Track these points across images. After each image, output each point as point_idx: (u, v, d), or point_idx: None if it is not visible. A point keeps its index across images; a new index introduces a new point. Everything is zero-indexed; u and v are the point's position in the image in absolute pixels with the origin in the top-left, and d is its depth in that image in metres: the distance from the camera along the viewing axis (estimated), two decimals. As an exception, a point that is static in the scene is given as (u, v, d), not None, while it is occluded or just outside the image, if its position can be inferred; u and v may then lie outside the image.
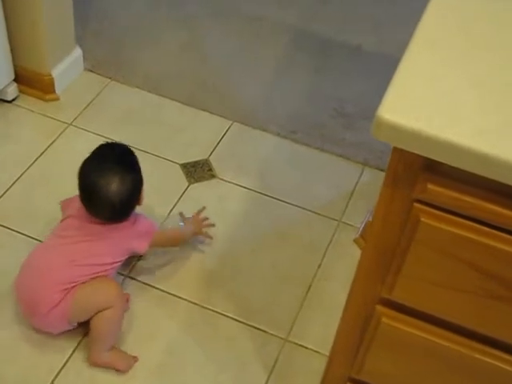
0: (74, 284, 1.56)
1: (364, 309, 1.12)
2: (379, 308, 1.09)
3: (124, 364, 1.61)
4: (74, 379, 1.58)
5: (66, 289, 1.55)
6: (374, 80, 2.07)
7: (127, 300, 1.72)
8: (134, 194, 1.61)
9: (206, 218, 1.89)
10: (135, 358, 1.63)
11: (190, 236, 1.84)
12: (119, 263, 1.65)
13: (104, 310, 1.56)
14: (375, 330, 1.12)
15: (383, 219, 0.99)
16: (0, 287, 1.71)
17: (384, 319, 1.09)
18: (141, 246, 1.66)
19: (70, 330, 1.62)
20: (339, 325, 1.20)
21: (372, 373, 1.21)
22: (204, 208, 1.91)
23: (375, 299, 1.09)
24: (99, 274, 1.59)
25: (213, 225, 1.89)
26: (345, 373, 1.25)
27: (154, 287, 1.78)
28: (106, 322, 1.58)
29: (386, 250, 1.02)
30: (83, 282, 1.57)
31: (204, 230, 1.87)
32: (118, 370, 1.60)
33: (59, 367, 1.60)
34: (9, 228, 1.86)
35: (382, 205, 0.98)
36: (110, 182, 1.55)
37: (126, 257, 1.67)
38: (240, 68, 2.46)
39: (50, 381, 1.57)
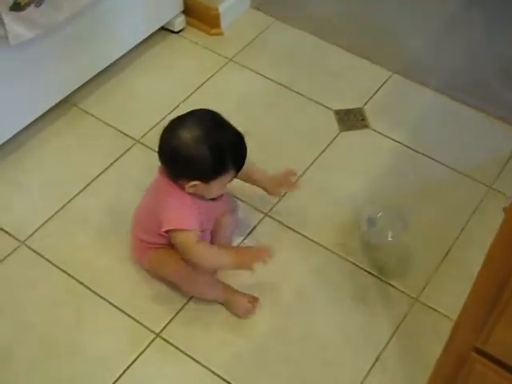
0: (149, 245, 1.61)
1: (498, 277, 1.07)
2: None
3: (240, 310, 1.63)
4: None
5: (142, 247, 1.62)
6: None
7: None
8: (191, 163, 1.45)
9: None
10: (255, 300, 1.64)
11: (228, 266, 1.59)
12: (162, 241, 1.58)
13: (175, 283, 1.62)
14: (508, 301, 1.07)
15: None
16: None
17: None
18: (164, 224, 1.50)
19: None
20: (471, 290, 1.16)
21: (498, 345, 1.16)
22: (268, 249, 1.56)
23: None
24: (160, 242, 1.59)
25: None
26: (470, 341, 1.21)
27: (291, 229, 1.80)
28: (188, 293, 1.64)
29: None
30: (156, 247, 1.60)
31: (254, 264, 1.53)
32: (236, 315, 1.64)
33: (179, 307, 1.66)
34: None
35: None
36: (193, 133, 1.44)
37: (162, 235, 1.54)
38: (409, 19, 2.38)
39: (169, 319, 1.65)
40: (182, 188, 1.49)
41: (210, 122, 1.48)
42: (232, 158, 1.48)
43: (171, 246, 1.57)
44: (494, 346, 1.17)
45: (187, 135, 1.44)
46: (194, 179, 1.47)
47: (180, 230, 1.50)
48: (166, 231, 1.51)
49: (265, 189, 1.71)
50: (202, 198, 1.53)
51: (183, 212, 1.51)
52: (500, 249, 1.06)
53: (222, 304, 1.64)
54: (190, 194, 1.50)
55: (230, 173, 1.49)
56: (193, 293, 1.64)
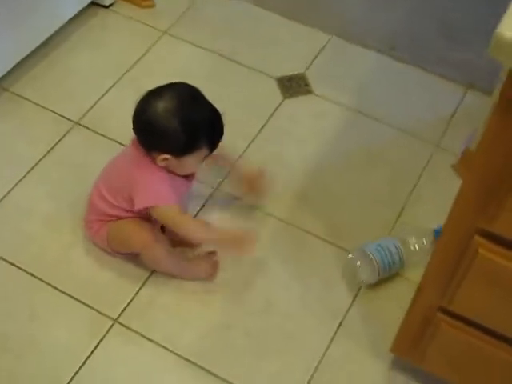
0: (109, 218, 1.56)
1: (461, 238, 1.07)
2: (477, 239, 1.04)
3: (203, 272, 1.61)
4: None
5: (101, 220, 1.57)
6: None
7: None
8: (163, 135, 1.42)
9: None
10: (214, 255, 1.64)
11: (207, 243, 1.64)
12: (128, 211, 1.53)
13: (139, 252, 1.56)
14: (471, 261, 1.07)
15: (490, 148, 0.93)
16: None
17: (481, 250, 1.04)
18: (138, 202, 1.47)
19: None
20: (433, 252, 1.16)
21: (463, 305, 1.17)
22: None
23: (474, 229, 1.04)
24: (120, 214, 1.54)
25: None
26: (435, 302, 1.21)
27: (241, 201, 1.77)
28: (149, 264, 1.60)
29: (491, 182, 0.96)
30: (118, 219, 1.55)
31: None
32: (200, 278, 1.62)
33: (136, 291, 1.62)
34: (98, 133, 1.89)
35: (489, 133, 0.92)
36: (168, 105, 1.41)
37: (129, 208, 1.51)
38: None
39: (127, 303, 1.62)
40: (155, 161, 1.46)
41: (187, 96, 1.46)
42: (205, 134, 1.45)
43: (132, 218, 1.53)
44: (459, 305, 1.17)
45: (162, 106, 1.41)
46: (165, 152, 1.44)
47: (164, 205, 1.47)
48: (146, 208, 1.47)
49: (237, 185, 1.72)
50: (174, 173, 1.49)
51: (162, 187, 1.48)
52: (460, 209, 1.05)
53: (182, 278, 1.61)
54: (163, 168, 1.47)
55: (203, 150, 1.46)
56: (152, 263, 1.59)
